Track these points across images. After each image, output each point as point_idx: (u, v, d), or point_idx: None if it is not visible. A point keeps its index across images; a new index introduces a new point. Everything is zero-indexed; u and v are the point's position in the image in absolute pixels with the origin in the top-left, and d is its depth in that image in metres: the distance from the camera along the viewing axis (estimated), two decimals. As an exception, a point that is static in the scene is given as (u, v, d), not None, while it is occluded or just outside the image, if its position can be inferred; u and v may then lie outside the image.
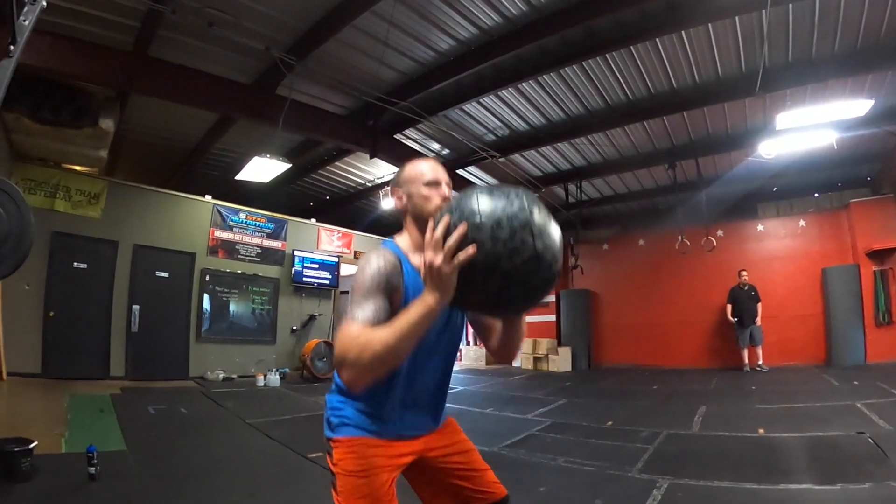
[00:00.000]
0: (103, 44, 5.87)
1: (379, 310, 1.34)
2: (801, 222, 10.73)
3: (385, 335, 1.20)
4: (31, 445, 3.38)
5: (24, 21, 2.12)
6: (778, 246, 10.90)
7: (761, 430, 4.82)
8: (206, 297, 9.32)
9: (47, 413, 5.30)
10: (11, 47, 2.05)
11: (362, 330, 1.25)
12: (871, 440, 4.11)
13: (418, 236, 1.58)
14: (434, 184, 1.61)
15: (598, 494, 3.32)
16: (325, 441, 1.57)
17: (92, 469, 3.40)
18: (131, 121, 8.05)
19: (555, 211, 12.32)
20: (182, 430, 5.24)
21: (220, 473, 3.93)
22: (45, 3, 1.90)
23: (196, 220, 9.36)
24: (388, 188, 1.82)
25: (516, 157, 9.71)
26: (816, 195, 10.86)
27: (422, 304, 1.21)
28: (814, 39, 6.07)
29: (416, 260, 1.51)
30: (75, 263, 7.76)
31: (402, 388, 1.53)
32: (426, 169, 1.64)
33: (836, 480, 3.25)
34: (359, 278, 1.41)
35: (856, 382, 7.17)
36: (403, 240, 1.63)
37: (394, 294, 1.42)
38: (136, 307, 8.36)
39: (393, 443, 1.54)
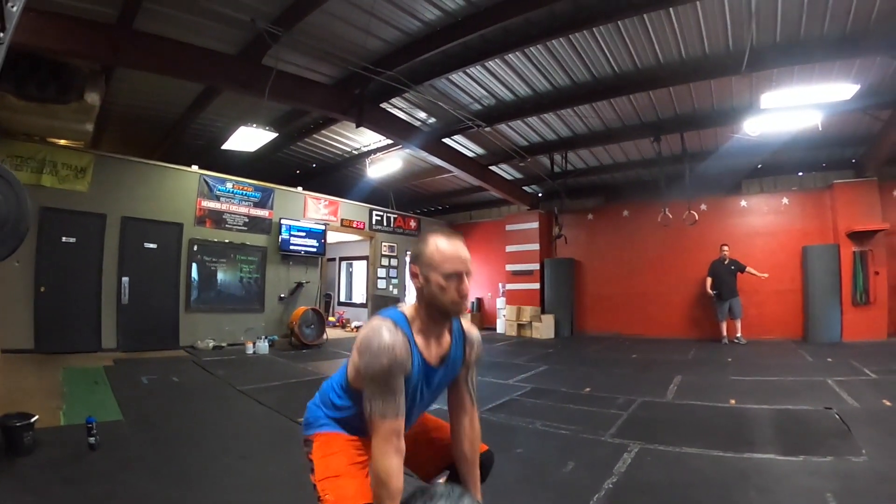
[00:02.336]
0: (88, 18, 5.77)
1: (401, 402, 1.54)
2: (784, 200, 10.85)
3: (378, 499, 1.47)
4: (33, 419, 3.48)
5: (13, 7, 2.11)
6: (760, 222, 11.02)
7: (733, 401, 5.04)
8: (194, 266, 9.39)
9: (43, 387, 5.42)
10: (1, 34, 2.05)
11: (396, 439, 1.52)
12: (837, 416, 4.32)
13: (427, 320, 1.68)
14: (455, 277, 1.61)
15: (571, 456, 3.54)
16: (304, 441, 1.81)
17: (91, 439, 3.54)
18: (116, 93, 7.97)
19: (540, 180, 12.47)
20: (175, 399, 5.39)
21: (214, 439, 4.09)
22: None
23: (183, 191, 9.35)
24: (410, 262, 1.74)
25: (502, 126, 9.71)
26: (801, 174, 11.01)
27: None
28: (802, 21, 6.09)
29: (421, 341, 1.65)
30: (64, 238, 7.75)
31: None
32: (448, 254, 1.61)
33: (799, 452, 3.45)
34: (376, 364, 1.50)
35: (829, 359, 7.41)
36: (411, 313, 1.69)
37: (406, 374, 1.58)
38: (125, 279, 8.41)
39: (364, 440, 1.69)
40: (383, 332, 1.54)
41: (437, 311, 1.65)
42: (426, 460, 1.95)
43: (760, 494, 2.82)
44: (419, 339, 1.65)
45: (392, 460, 1.50)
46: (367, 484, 1.59)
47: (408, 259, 1.61)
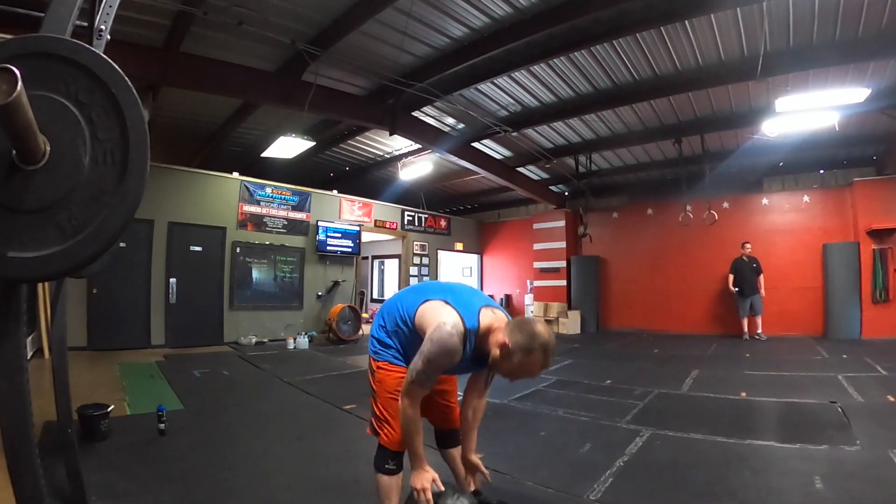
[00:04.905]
0: (138, 42, 6.33)
1: (435, 380, 2.12)
2: (805, 198, 10.91)
3: (409, 430, 2.09)
4: (109, 409, 3.91)
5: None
6: (781, 220, 11.10)
7: (743, 394, 5.32)
8: (237, 267, 9.94)
9: (103, 381, 5.91)
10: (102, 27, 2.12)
11: (417, 403, 2.09)
12: (840, 409, 4.56)
13: (485, 346, 2.14)
14: (519, 376, 2.12)
15: (588, 439, 3.94)
16: (370, 363, 2.39)
17: (161, 425, 3.97)
18: (161, 107, 8.52)
19: (565, 180, 12.76)
20: (228, 390, 5.89)
21: (270, 424, 4.56)
22: (108, 37, 2.18)
23: (225, 196, 9.90)
24: (508, 330, 2.11)
25: (528, 131, 10.05)
26: (822, 171, 11.06)
27: (415, 465, 2.12)
28: (814, 27, 6.25)
29: (476, 344, 2.15)
30: None
31: None
32: (529, 369, 2.06)
33: (796, 441, 3.73)
34: (437, 350, 2.00)
35: (844, 356, 7.55)
36: (485, 328, 2.13)
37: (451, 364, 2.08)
38: (173, 280, 8.99)
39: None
40: (455, 340, 2.01)
41: (494, 361, 2.12)
42: (435, 414, 2.53)
43: (754, 474, 3.16)
44: (475, 343, 2.14)
45: (417, 411, 2.10)
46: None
47: (505, 336, 1.87)
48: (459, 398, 2.61)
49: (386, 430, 2.26)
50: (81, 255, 1.20)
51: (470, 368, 2.31)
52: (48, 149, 1.22)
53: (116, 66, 1.29)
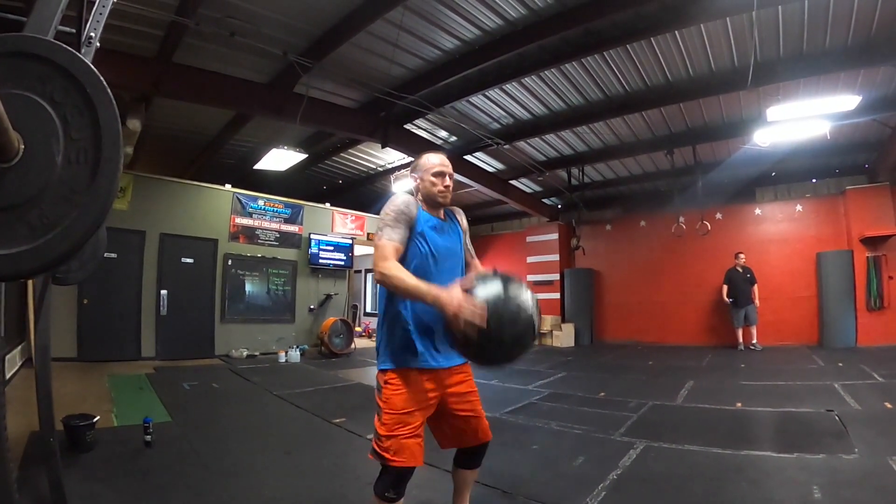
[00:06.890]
0: (131, 52, 6.31)
1: (402, 235, 2.11)
2: (798, 207, 10.95)
3: (404, 282, 1.94)
4: (95, 420, 3.88)
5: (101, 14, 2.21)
6: (775, 229, 11.13)
7: (739, 404, 5.27)
8: (229, 280, 9.88)
9: (92, 392, 5.85)
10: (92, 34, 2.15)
11: (394, 255, 2.05)
12: (837, 417, 4.52)
13: (425, 206, 2.27)
14: (440, 175, 2.25)
15: (581, 452, 3.87)
16: (377, 379, 2.21)
17: (148, 437, 3.93)
18: (154, 118, 8.48)
19: (558, 193, 12.76)
20: (217, 403, 5.83)
21: (257, 437, 4.50)
22: (98, 44, 2.13)
23: (218, 208, 9.88)
24: (409, 172, 2.39)
25: (521, 143, 10.07)
26: (814, 181, 11.10)
27: (436, 297, 1.85)
28: (804, 35, 6.29)
29: (424, 207, 2.27)
30: (106, 253, 8.17)
31: (415, 314, 2.13)
32: (435, 162, 2.27)
33: (793, 450, 3.68)
34: (390, 206, 2.13)
35: (840, 364, 7.52)
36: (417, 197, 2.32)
37: (411, 223, 2.14)
38: (164, 292, 8.92)
39: (425, 373, 2.13)
40: (398, 193, 2.24)
41: (431, 201, 2.27)
42: (449, 435, 2.32)
43: (751, 486, 3.10)
44: (423, 207, 2.26)
45: (391, 263, 2.02)
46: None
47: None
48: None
49: (392, 451, 2.04)
50: (51, 254, 1.17)
51: (447, 232, 2.31)
52: (22, 147, 1.21)
53: (92, 66, 1.28)
